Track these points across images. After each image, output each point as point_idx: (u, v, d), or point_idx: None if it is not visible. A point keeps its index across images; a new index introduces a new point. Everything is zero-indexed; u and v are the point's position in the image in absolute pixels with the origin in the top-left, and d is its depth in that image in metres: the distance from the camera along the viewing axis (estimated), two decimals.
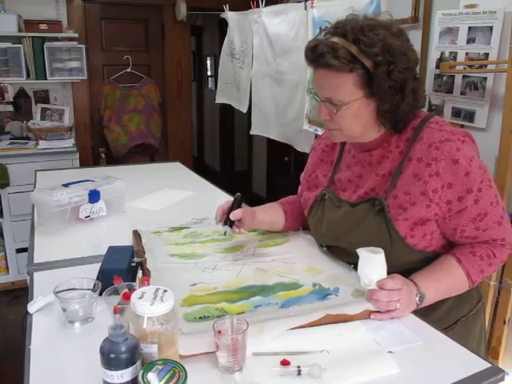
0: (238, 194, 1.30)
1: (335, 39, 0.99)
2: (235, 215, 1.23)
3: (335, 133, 1.10)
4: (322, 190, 1.23)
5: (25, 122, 3.43)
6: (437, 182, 1.00)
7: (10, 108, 3.41)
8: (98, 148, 3.82)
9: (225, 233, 1.26)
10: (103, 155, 3.78)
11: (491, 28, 1.86)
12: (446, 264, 1.06)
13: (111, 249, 1.25)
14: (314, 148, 1.34)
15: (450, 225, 1.05)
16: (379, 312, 0.98)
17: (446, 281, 1.04)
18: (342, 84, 1.00)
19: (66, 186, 1.58)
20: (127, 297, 0.96)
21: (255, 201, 1.65)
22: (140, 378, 0.71)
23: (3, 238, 3.12)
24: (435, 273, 1.04)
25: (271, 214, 1.37)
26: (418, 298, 1.00)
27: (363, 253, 0.98)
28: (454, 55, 2.04)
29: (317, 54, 1.00)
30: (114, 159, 3.75)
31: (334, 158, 1.25)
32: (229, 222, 1.25)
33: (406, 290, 0.98)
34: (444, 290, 1.06)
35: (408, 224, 1.05)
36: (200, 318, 0.97)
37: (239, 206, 1.27)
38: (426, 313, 1.03)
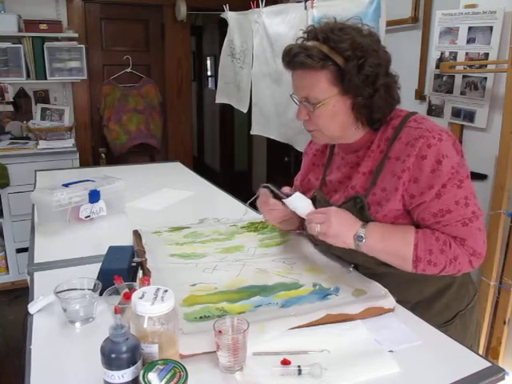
0: (265, 184, 1.22)
1: (309, 43, 1.06)
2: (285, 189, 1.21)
3: (315, 134, 1.13)
4: (313, 192, 1.24)
5: (25, 121, 3.43)
6: (406, 176, 1.02)
7: (10, 108, 3.41)
8: (98, 148, 3.81)
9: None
10: (103, 155, 3.78)
11: (491, 28, 1.86)
12: (403, 228, 1.06)
13: (111, 249, 1.25)
14: (306, 152, 1.35)
15: (413, 216, 1.06)
16: None
17: (393, 240, 1.04)
18: (316, 82, 1.04)
19: (66, 186, 1.58)
20: (128, 297, 0.96)
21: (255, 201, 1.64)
22: (141, 378, 0.71)
23: (3, 238, 3.12)
24: (388, 229, 1.05)
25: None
26: (356, 236, 1.03)
27: (285, 201, 1.14)
28: (454, 55, 2.04)
29: (291, 55, 1.06)
30: (113, 159, 3.74)
31: (325, 161, 1.27)
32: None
33: (334, 216, 1.04)
34: (386, 249, 1.04)
35: (388, 220, 1.06)
36: (200, 317, 0.97)
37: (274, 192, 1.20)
38: (425, 305, 1.03)
